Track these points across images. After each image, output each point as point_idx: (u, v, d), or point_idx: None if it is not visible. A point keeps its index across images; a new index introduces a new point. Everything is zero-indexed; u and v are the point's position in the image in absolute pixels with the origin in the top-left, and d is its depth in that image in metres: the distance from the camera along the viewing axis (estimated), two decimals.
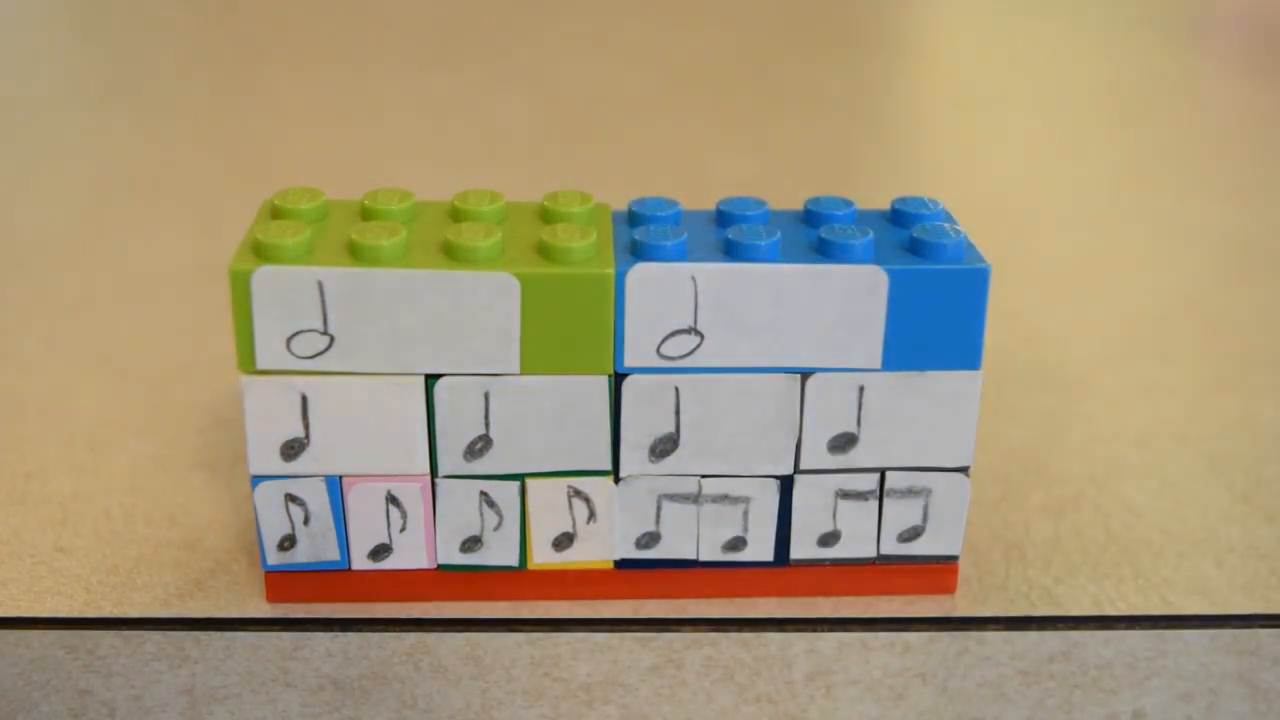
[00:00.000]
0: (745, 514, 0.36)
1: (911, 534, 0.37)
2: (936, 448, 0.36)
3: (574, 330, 0.34)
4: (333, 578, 0.37)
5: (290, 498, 0.35)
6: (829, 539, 0.37)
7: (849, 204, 0.36)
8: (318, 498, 0.35)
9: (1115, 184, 0.73)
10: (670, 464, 0.36)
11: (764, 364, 0.35)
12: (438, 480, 0.36)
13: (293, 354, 0.34)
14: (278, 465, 0.35)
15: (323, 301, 0.33)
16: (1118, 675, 0.37)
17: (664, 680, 0.37)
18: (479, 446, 0.35)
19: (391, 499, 0.36)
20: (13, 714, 0.36)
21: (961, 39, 1.05)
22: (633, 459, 0.36)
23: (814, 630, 0.37)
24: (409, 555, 0.36)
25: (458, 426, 0.35)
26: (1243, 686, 0.37)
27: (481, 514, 0.36)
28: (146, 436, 0.45)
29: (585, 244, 0.33)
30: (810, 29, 1.03)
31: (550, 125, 0.80)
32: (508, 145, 0.76)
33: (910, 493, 0.36)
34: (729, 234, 0.34)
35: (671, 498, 0.36)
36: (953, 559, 0.37)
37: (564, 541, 0.36)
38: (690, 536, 0.37)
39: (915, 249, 0.34)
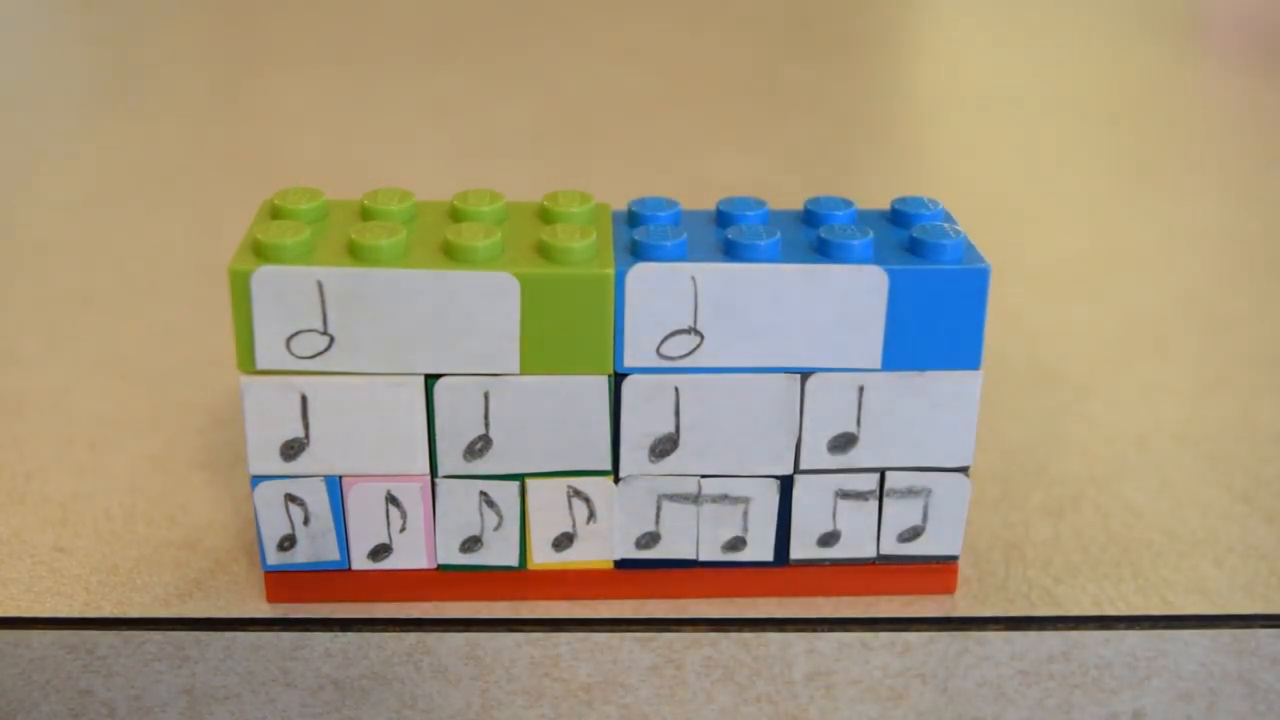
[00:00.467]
0: (745, 514, 0.36)
1: (911, 534, 0.37)
2: (936, 448, 0.36)
3: (574, 330, 0.34)
4: (333, 578, 0.37)
5: (290, 498, 0.35)
6: (829, 539, 0.37)
7: (849, 204, 0.36)
8: (318, 498, 0.35)
9: (1115, 184, 0.73)
10: (670, 464, 0.36)
11: (764, 364, 0.35)
12: (438, 480, 0.36)
13: (292, 354, 0.34)
14: (278, 465, 0.35)
15: (322, 301, 0.33)
16: (1118, 675, 0.37)
17: (664, 680, 0.37)
18: (479, 446, 0.35)
19: (391, 499, 0.36)
20: (13, 714, 0.36)
21: (962, 39, 1.05)
22: (632, 459, 0.36)
23: (814, 630, 0.37)
24: (409, 555, 0.36)
25: (457, 426, 0.35)
26: (1242, 686, 0.37)
27: (481, 514, 0.36)
28: (146, 436, 0.45)
29: (585, 244, 0.33)
30: (810, 29, 1.03)
31: (550, 125, 0.80)
32: (508, 145, 0.76)
33: (910, 493, 0.36)
34: (729, 234, 0.34)
35: (671, 498, 0.36)
36: (953, 559, 0.37)
37: (564, 541, 0.36)
38: (690, 536, 0.37)
39: (915, 249, 0.34)
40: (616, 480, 0.36)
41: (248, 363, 0.34)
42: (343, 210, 0.36)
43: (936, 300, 0.34)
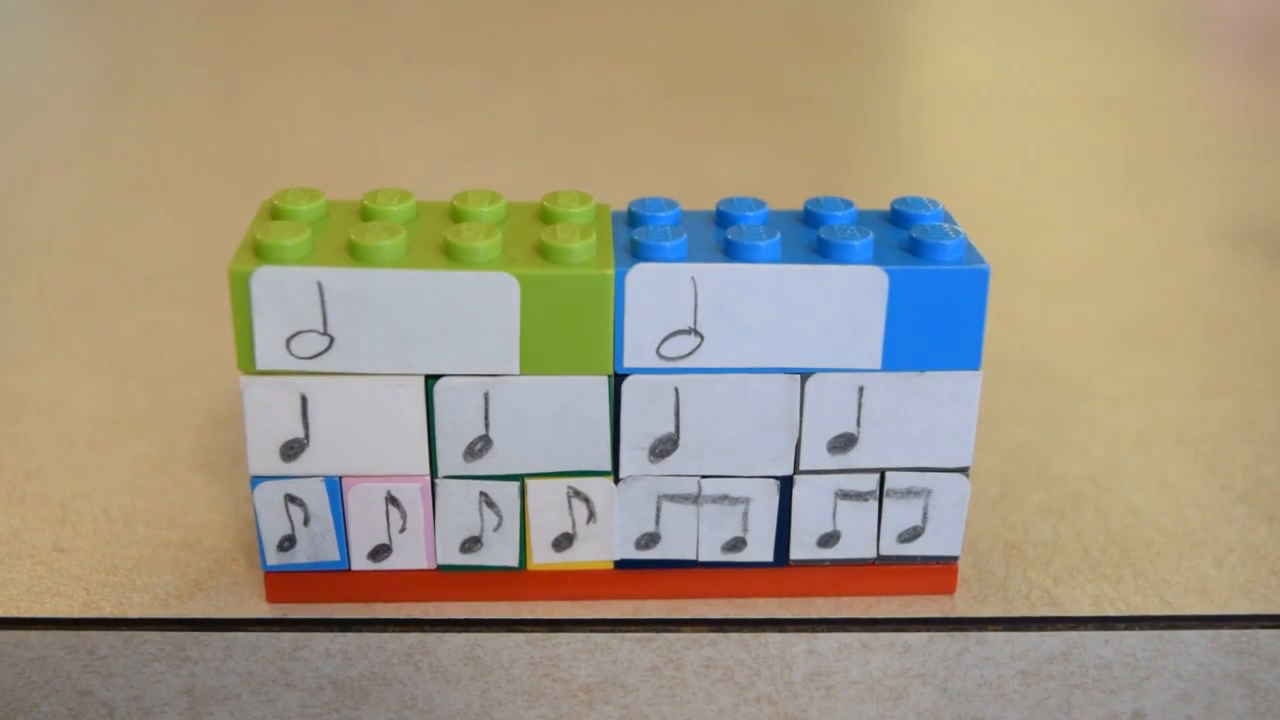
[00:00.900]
0: (745, 514, 0.36)
1: (911, 534, 0.37)
2: (936, 448, 0.36)
3: (574, 331, 0.34)
4: (332, 578, 0.37)
5: (290, 498, 0.35)
6: (829, 539, 0.37)
7: (849, 204, 0.36)
8: (317, 498, 0.35)
9: (1115, 184, 0.73)
10: (670, 464, 0.36)
11: (764, 364, 0.35)
12: (437, 481, 0.35)
13: (292, 354, 0.34)
14: (277, 465, 0.35)
15: (322, 302, 0.33)
16: (1117, 675, 0.37)
17: (664, 680, 0.37)
18: (479, 447, 0.35)
19: (391, 499, 0.36)
20: (12, 714, 0.36)
21: (962, 39, 1.05)
22: (632, 459, 0.36)
23: (814, 631, 0.37)
24: (409, 556, 0.36)
25: (457, 427, 0.35)
26: (1242, 687, 0.37)
27: (481, 514, 0.36)
28: (146, 436, 0.45)
29: (585, 244, 0.33)
30: (810, 29, 1.03)
31: (550, 125, 0.80)
32: (508, 145, 0.76)
33: (910, 493, 0.36)
34: (729, 234, 0.34)
35: (671, 498, 0.36)
36: (952, 559, 0.37)
37: (564, 542, 0.36)
38: (690, 537, 0.37)
39: (915, 249, 0.34)
40: (616, 481, 0.36)
41: (248, 363, 0.34)
42: (343, 210, 0.36)
43: (936, 300, 0.34)
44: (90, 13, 1.07)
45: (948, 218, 0.36)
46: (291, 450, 0.35)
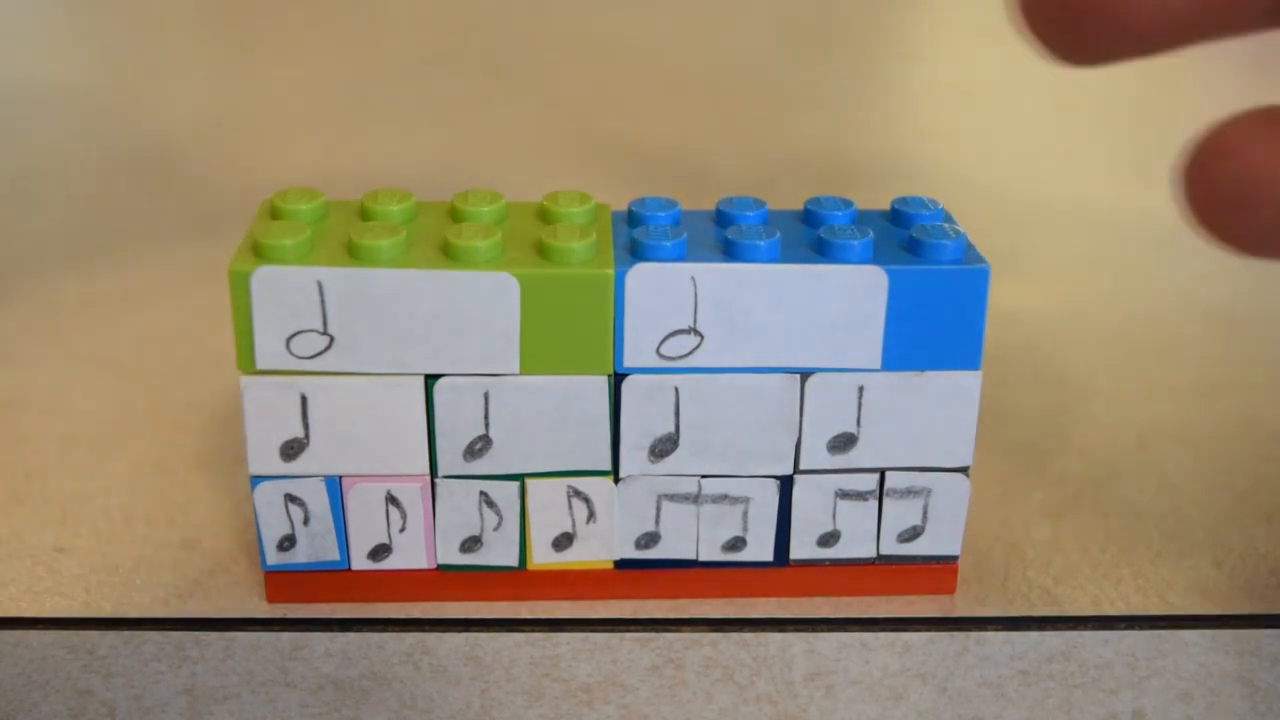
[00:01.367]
0: (745, 514, 0.36)
1: (911, 534, 0.37)
2: (936, 448, 0.36)
3: (574, 330, 0.34)
4: (332, 578, 0.37)
5: (290, 498, 0.35)
6: (829, 539, 0.37)
7: (849, 204, 0.36)
8: (317, 498, 0.35)
9: (1115, 184, 0.73)
10: (670, 464, 0.36)
11: (764, 364, 0.35)
12: (437, 480, 0.35)
13: (292, 354, 0.34)
14: (277, 465, 0.35)
15: (322, 302, 0.33)
16: (1117, 675, 0.37)
17: (664, 680, 0.36)
18: (478, 447, 0.35)
19: (391, 499, 0.36)
20: (12, 714, 0.36)
21: (961, 39, 1.05)
22: (632, 459, 0.36)
23: (814, 630, 0.37)
24: (409, 555, 0.36)
25: (457, 426, 0.35)
26: (1242, 687, 0.37)
27: (481, 514, 0.36)
28: (146, 436, 0.45)
29: (585, 244, 0.33)
30: (811, 29, 1.03)
31: (550, 125, 0.80)
32: (508, 145, 0.76)
33: (910, 493, 0.36)
34: (729, 234, 0.34)
35: (671, 498, 0.36)
36: (953, 559, 0.37)
37: (564, 542, 0.36)
38: (690, 537, 0.37)
39: (915, 249, 0.34)
40: (616, 480, 0.36)
41: (247, 363, 0.34)
42: (342, 210, 0.36)
43: (936, 300, 0.34)
44: (90, 12, 1.07)
45: (948, 218, 0.36)
46: (291, 450, 0.35)
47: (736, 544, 0.37)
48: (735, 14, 1.08)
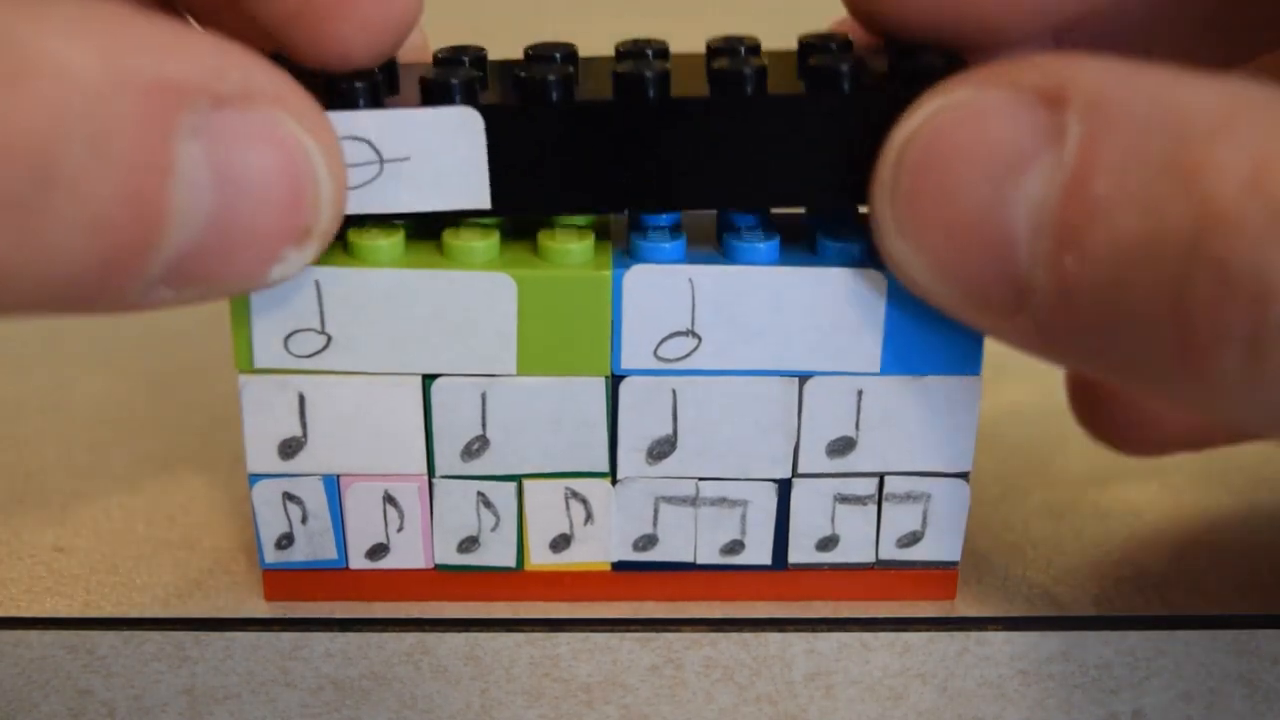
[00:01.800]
0: (743, 517, 0.36)
1: (910, 539, 0.36)
2: (936, 453, 0.35)
3: (571, 332, 0.34)
4: (330, 576, 0.36)
5: (288, 496, 0.35)
6: (827, 543, 0.36)
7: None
8: (315, 497, 0.35)
9: None
10: (668, 466, 0.35)
11: (762, 367, 0.34)
12: (435, 480, 0.35)
13: (290, 353, 0.33)
14: (275, 464, 0.35)
15: (320, 301, 0.33)
16: (1117, 675, 0.37)
17: (664, 680, 0.36)
18: (476, 447, 0.35)
19: (389, 499, 0.35)
20: (12, 714, 0.36)
21: None
22: (630, 461, 0.35)
23: (814, 630, 0.36)
24: (406, 555, 0.36)
25: (455, 427, 0.35)
26: (1242, 687, 0.37)
27: (479, 514, 0.36)
28: (146, 436, 0.45)
29: (583, 245, 0.33)
30: (814, 28, 1.03)
31: None
32: None
33: (909, 498, 0.36)
34: (727, 236, 0.34)
35: (669, 500, 0.36)
36: (952, 565, 0.37)
37: (561, 543, 0.36)
38: (688, 539, 0.36)
39: None
40: (614, 482, 0.36)
41: (245, 362, 0.34)
42: None
43: None
44: None
45: None
46: (289, 449, 0.35)
47: (734, 547, 0.36)
48: (737, 14, 1.07)
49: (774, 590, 0.37)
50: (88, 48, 0.26)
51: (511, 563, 0.36)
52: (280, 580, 0.36)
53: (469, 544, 0.36)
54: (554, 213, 0.34)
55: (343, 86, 0.31)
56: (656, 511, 0.36)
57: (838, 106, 0.32)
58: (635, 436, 0.35)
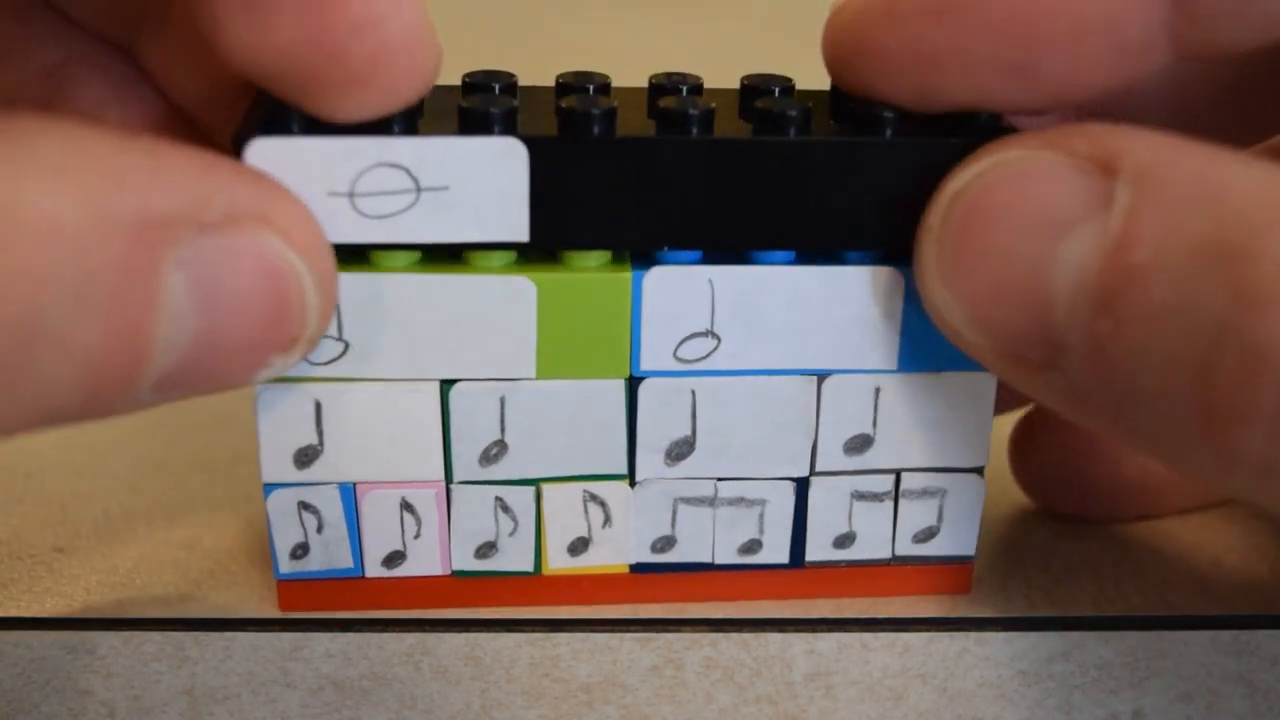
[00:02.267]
0: (761, 516, 0.36)
1: (926, 534, 0.36)
2: (952, 448, 0.35)
3: (591, 334, 0.33)
4: (346, 585, 0.36)
5: (304, 506, 0.35)
6: (844, 540, 0.36)
7: None
8: (331, 505, 0.35)
9: None
10: (686, 467, 0.35)
11: (781, 366, 0.34)
12: (453, 486, 0.35)
13: (307, 361, 0.33)
14: (291, 473, 0.34)
15: (337, 307, 0.32)
16: (1117, 676, 0.36)
17: (664, 681, 0.36)
18: (494, 452, 0.34)
19: (406, 506, 0.35)
20: (12, 715, 0.36)
21: None
22: (649, 463, 0.35)
23: (814, 631, 0.36)
24: (423, 562, 0.36)
25: (473, 432, 0.34)
26: (1242, 687, 0.37)
27: (497, 520, 0.35)
28: (146, 436, 0.44)
29: None
30: (815, 29, 1.03)
31: None
32: None
33: (925, 493, 0.36)
34: None
35: (687, 501, 0.35)
36: (968, 559, 0.37)
37: (579, 546, 0.36)
38: (706, 540, 0.36)
39: None
40: (632, 484, 0.35)
41: None
42: None
43: None
44: None
45: None
46: (305, 457, 0.34)
47: (752, 546, 0.36)
48: (743, 12, 1.07)
49: (791, 588, 0.37)
50: (71, 194, 0.25)
51: (529, 567, 0.36)
52: (295, 590, 0.36)
53: (487, 550, 0.36)
54: (590, 247, 0.33)
55: None
56: (675, 513, 0.35)
57: (880, 152, 0.32)
58: (654, 438, 0.35)
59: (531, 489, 0.35)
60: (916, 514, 0.36)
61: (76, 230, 0.25)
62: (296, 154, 0.30)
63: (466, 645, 0.36)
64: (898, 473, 0.36)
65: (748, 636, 0.36)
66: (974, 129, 0.32)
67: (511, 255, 0.33)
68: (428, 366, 0.33)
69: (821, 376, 0.34)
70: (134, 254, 0.26)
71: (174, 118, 0.37)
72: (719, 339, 0.33)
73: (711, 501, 0.35)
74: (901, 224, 0.32)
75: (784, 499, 0.36)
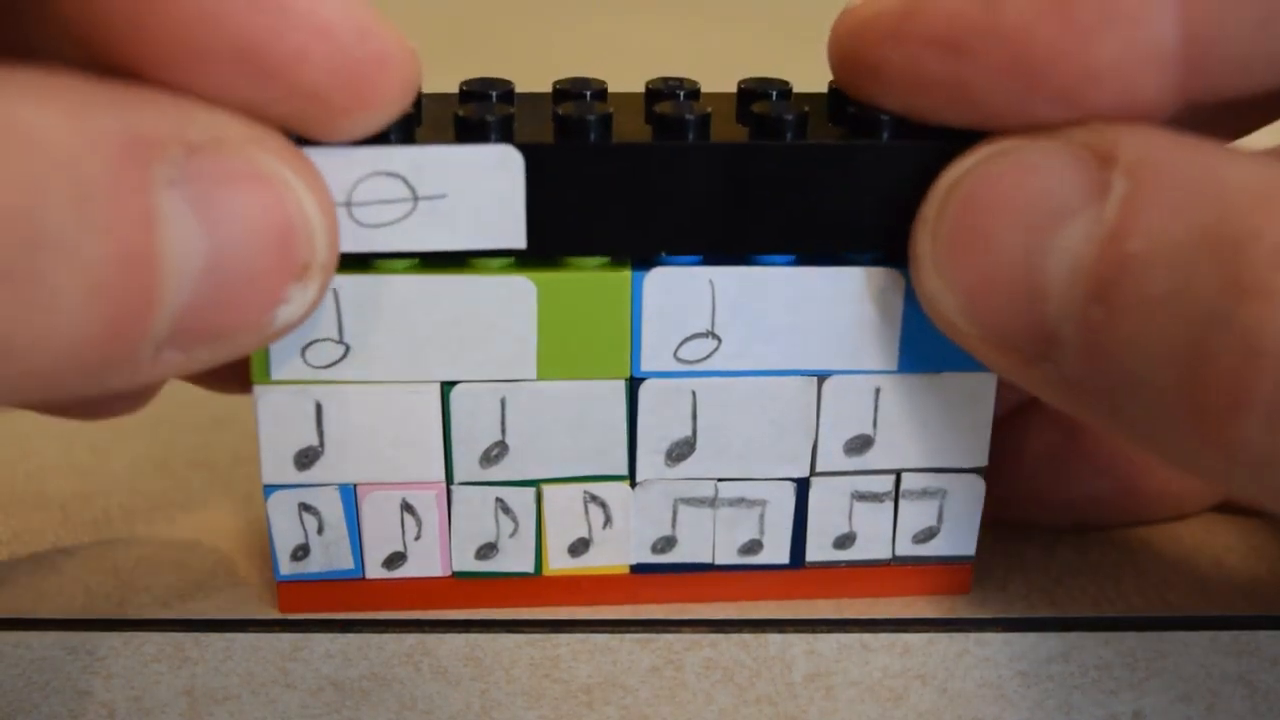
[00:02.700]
0: (761, 517, 0.35)
1: (926, 535, 0.36)
2: (952, 449, 0.35)
3: (591, 334, 0.33)
4: (346, 587, 0.36)
5: (304, 507, 0.34)
6: (845, 541, 0.36)
7: None
8: (332, 507, 0.34)
9: None
10: (687, 468, 0.35)
11: (781, 367, 0.34)
12: (453, 487, 0.34)
13: (308, 364, 0.33)
14: (291, 474, 0.34)
15: (338, 310, 0.32)
16: (1117, 676, 0.36)
17: (664, 681, 0.36)
18: (495, 453, 0.34)
19: (406, 507, 0.35)
20: (12, 715, 0.35)
21: None
22: (649, 463, 0.35)
23: (813, 631, 0.36)
24: (424, 563, 0.35)
25: (474, 433, 0.34)
26: (1242, 687, 0.36)
27: (497, 521, 0.35)
28: (146, 436, 0.44)
29: None
30: (820, 27, 1.03)
31: None
32: None
33: (925, 494, 0.35)
34: None
35: (688, 502, 0.35)
36: (968, 559, 0.37)
37: (580, 547, 0.36)
38: (706, 540, 0.36)
39: None
40: (633, 485, 0.35)
41: (262, 373, 0.33)
42: None
43: None
44: None
45: None
46: (306, 458, 0.34)
47: (753, 547, 0.36)
48: (743, 12, 1.07)
49: (791, 589, 0.37)
50: (55, 110, 0.25)
51: (530, 568, 0.36)
52: (295, 592, 0.36)
53: (487, 551, 0.35)
54: (587, 254, 0.32)
55: None
56: (675, 513, 0.35)
57: (877, 155, 0.32)
58: (655, 439, 0.34)
59: (532, 490, 0.35)
60: (916, 514, 0.36)
61: (66, 144, 0.25)
62: None
63: (467, 646, 0.36)
64: (898, 473, 0.35)
65: (748, 637, 0.36)
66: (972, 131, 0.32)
67: (511, 256, 0.33)
68: (428, 368, 0.33)
69: (822, 377, 0.34)
70: (124, 168, 0.25)
71: None
72: (719, 339, 0.33)
73: (712, 502, 0.35)
74: (900, 226, 0.32)
75: (784, 499, 0.35)
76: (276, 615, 0.36)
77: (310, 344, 0.32)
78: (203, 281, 0.27)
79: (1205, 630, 0.36)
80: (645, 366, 0.33)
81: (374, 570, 0.36)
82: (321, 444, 0.34)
